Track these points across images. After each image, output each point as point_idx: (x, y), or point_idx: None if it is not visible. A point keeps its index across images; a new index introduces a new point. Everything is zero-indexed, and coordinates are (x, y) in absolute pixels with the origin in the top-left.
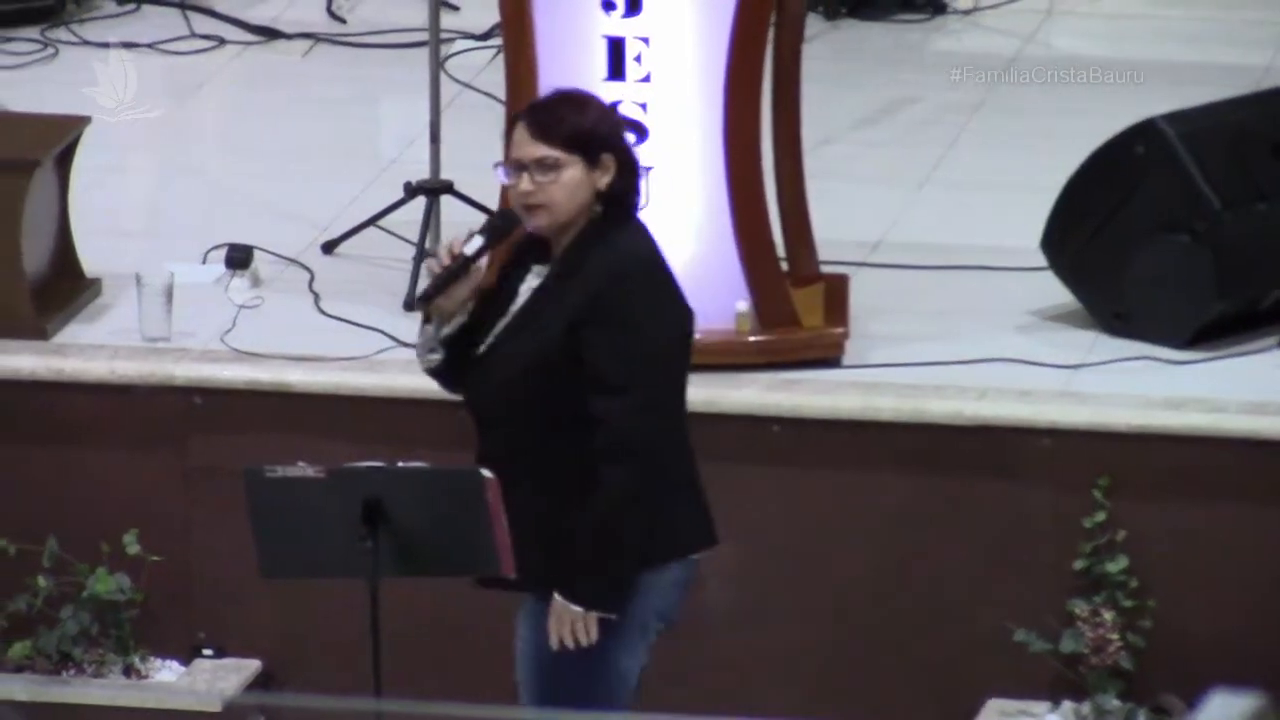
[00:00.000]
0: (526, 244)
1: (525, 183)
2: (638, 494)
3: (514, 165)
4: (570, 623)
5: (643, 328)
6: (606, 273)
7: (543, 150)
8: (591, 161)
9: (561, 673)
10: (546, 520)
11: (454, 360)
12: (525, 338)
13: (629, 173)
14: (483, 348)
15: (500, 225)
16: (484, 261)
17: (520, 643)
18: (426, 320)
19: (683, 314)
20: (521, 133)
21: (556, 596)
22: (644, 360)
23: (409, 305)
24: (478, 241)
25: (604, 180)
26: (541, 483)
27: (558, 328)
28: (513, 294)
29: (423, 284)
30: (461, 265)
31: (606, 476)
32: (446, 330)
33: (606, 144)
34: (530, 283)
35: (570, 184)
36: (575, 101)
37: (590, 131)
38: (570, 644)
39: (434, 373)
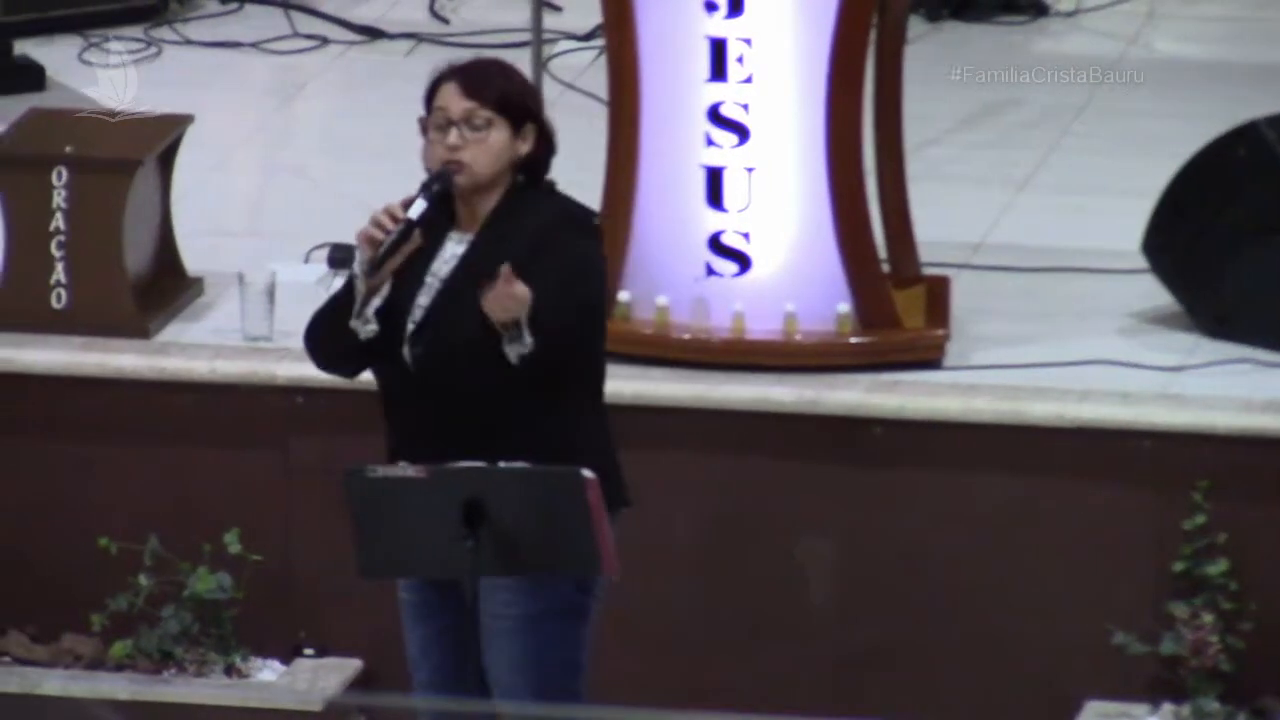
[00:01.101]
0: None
1: (454, 136)
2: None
3: (441, 120)
4: (511, 300)
5: (598, 273)
6: (558, 217)
7: (473, 106)
8: (516, 127)
9: (552, 640)
10: None
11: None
12: (470, 299)
13: (547, 145)
14: (414, 318)
15: (440, 188)
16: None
17: (495, 620)
18: (349, 291)
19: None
20: (451, 90)
21: (520, 285)
22: (598, 304)
23: (371, 269)
24: (421, 205)
25: (524, 149)
26: (502, 448)
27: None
28: (426, 261)
29: (361, 254)
30: (407, 230)
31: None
32: (376, 301)
33: (530, 113)
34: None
35: (495, 146)
36: (504, 68)
37: (519, 97)
38: (497, 303)
39: (347, 351)
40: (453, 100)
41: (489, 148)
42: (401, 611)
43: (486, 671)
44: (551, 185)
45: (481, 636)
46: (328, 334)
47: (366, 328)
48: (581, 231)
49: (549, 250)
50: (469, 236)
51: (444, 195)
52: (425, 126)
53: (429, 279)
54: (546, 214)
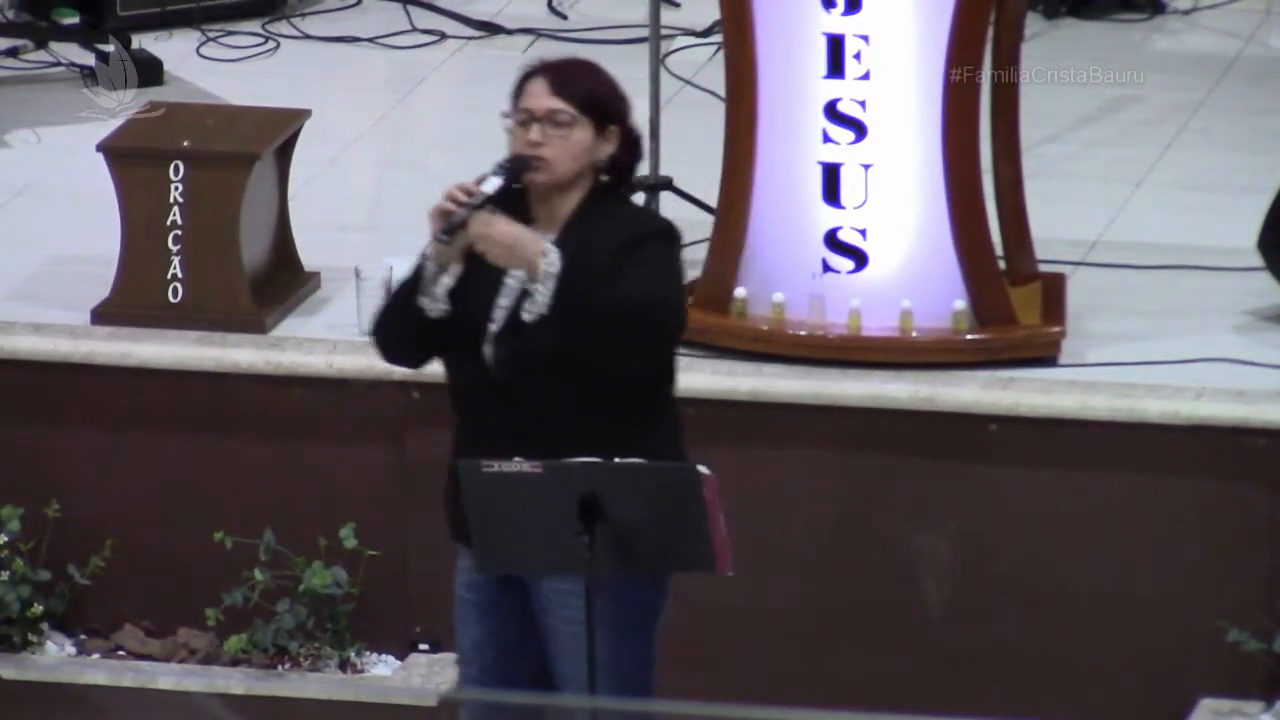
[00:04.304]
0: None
1: (535, 133)
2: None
3: (524, 114)
4: (526, 249)
5: (676, 280)
6: (641, 225)
7: (558, 104)
8: (600, 128)
9: (631, 643)
10: None
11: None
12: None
13: (632, 149)
14: (495, 319)
15: (513, 166)
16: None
17: (568, 625)
18: (417, 274)
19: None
20: (539, 85)
21: (548, 243)
22: (676, 306)
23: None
24: (495, 181)
25: (606, 150)
26: (572, 451)
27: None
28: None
29: (433, 229)
30: (480, 204)
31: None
32: (447, 280)
33: (617, 115)
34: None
35: (576, 145)
36: (593, 68)
37: (606, 99)
38: (487, 245)
39: (412, 336)
40: (538, 97)
41: (570, 146)
42: (457, 608)
43: (555, 673)
44: (628, 194)
45: (550, 640)
46: (394, 318)
47: (436, 305)
48: (663, 239)
49: (630, 254)
50: (549, 239)
51: (517, 174)
52: (510, 119)
53: (509, 280)
54: (627, 222)
